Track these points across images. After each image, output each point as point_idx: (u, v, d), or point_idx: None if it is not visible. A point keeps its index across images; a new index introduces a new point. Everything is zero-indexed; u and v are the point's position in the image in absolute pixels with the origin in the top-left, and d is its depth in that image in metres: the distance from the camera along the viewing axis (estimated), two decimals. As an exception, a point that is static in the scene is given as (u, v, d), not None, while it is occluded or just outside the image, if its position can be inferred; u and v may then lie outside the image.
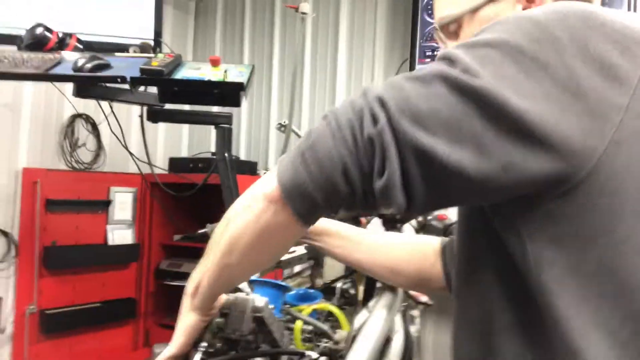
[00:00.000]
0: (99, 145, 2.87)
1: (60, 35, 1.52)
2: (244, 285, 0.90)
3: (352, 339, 0.90)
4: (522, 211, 0.52)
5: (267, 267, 0.77)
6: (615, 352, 0.47)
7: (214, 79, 1.28)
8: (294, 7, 1.44)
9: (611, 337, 0.47)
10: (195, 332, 0.74)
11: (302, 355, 0.83)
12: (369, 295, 1.12)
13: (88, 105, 2.68)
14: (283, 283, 0.96)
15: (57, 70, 1.29)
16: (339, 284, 1.17)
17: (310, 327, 0.93)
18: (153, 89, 1.67)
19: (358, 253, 0.95)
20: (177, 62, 1.38)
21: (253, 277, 1.05)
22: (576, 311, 0.49)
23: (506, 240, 0.55)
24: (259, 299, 0.81)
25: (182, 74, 1.32)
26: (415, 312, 1.35)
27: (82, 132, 2.81)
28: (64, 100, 2.61)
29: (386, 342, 1.14)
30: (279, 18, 3.14)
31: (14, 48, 1.51)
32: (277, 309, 0.93)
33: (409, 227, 1.25)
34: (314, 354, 0.83)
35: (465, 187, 0.50)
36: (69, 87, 1.77)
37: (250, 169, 2.80)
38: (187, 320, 0.73)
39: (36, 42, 1.47)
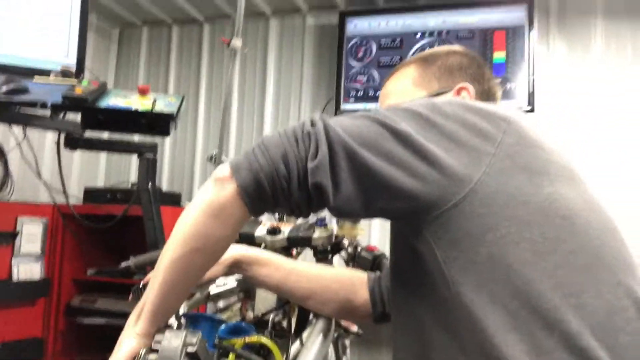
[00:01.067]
0: (6, 172, 2.66)
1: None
2: (173, 321, 0.87)
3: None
4: (426, 223, 0.67)
5: (216, 257, 0.76)
6: (507, 319, 0.62)
7: (141, 108, 1.25)
8: (226, 42, 1.47)
9: (504, 309, 0.62)
10: (134, 355, 0.71)
11: (238, 392, 0.82)
12: (301, 325, 1.12)
13: (-2, 130, 2.50)
14: (217, 317, 0.95)
15: (-31, 93, 1.21)
16: (271, 316, 1.17)
17: (244, 362, 0.91)
18: (73, 115, 1.61)
19: (289, 282, 0.97)
20: (102, 90, 1.34)
21: (185, 312, 1.02)
22: (477, 293, 0.64)
23: (420, 248, 0.69)
24: (192, 333, 0.79)
25: (108, 102, 1.29)
26: (347, 342, 1.37)
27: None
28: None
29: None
30: (206, 51, 3.15)
31: None
32: (210, 343, 0.91)
33: (338, 259, 1.28)
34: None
35: (377, 183, 0.65)
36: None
37: (173, 200, 2.72)
38: (126, 347, 0.71)
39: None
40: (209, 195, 0.67)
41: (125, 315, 0.77)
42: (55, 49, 1.63)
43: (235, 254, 0.99)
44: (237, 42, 1.45)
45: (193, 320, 0.87)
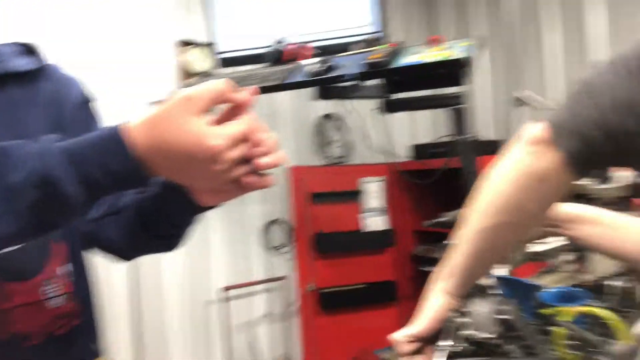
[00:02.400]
0: (347, 141, 3.07)
1: (297, 45, 1.66)
2: (488, 282, 0.81)
3: (634, 353, 0.72)
4: None
5: (528, 228, 0.68)
6: None
7: (434, 60, 1.19)
8: None
9: None
10: (440, 317, 0.70)
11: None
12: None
13: (334, 105, 2.89)
14: (533, 282, 0.83)
15: (294, 79, 1.41)
16: (613, 282, 0.95)
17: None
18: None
19: (628, 244, 0.76)
20: (398, 50, 1.34)
21: (500, 274, 0.93)
22: None
23: None
24: (505, 300, 0.72)
25: (403, 61, 1.28)
26: None
27: (331, 129, 3.05)
28: (311, 103, 2.87)
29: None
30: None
31: (263, 65, 1.72)
32: (527, 310, 0.81)
33: None
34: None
35: None
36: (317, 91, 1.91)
37: (493, 148, 2.58)
38: (434, 303, 0.70)
39: (278, 56, 1.64)
40: (525, 163, 0.56)
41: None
42: (360, 20, 1.73)
43: (552, 211, 0.84)
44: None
45: (507, 284, 0.78)
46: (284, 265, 2.94)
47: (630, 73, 0.47)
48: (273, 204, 2.91)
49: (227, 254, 2.78)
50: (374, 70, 1.28)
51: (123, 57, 2.47)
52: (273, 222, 2.90)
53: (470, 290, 0.73)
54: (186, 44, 2.60)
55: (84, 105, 0.80)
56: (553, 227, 0.84)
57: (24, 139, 0.68)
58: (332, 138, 3.03)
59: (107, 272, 2.33)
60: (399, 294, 3.01)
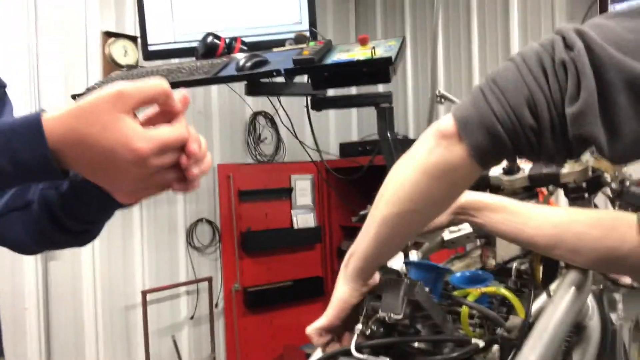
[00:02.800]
0: (278, 139, 3.10)
1: (227, 40, 1.66)
2: (399, 266, 0.86)
3: (528, 326, 0.79)
4: None
5: (432, 217, 0.70)
6: None
7: (361, 58, 1.25)
8: None
9: None
10: (346, 305, 0.72)
11: (468, 342, 0.76)
12: (550, 276, 0.98)
13: (265, 103, 2.90)
14: (440, 265, 0.89)
15: (223, 73, 1.41)
16: (514, 265, 1.05)
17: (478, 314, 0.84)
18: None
19: (528, 229, 0.83)
20: (327, 48, 1.39)
21: (407, 259, 1.00)
22: None
23: None
24: (416, 283, 0.76)
25: (331, 58, 1.33)
26: (617, 296, 1.14)
27: (262, 128, 3.06)
28: (244, 101, 2.87)
29: (577, 330, 0.99)
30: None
31: (192, 59, 1.70)
32: (436, 292, 0.87)
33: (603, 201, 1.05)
34: (481, 342, 0.75)
35: None
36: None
37: (419, 146, 2.72)
38: (338, 292, 0.73)
39: (208, 50, 1.63)
40: (432, 156, 0.57)
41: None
42: (289, 18, 1.76)
43: (459, 200, 0.90)
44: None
45: (416, 268, 0.84)
46: (210, 265, 2.90)
47: (530, 70, 0.50)
48: (199, 203, 2.87)
49: (150, 255, 2.68)
50: (302, 66, 1.32)
51: (46, 45, 2.34)
52: (199, 221, 2.85)
53: (383, 275, 0.77)
54: (112, 35, 2.51)
55: None
56: (460, 214, 0.89)
57: None
58: (263, 136, 3.05)
59: (16, 269, 2.19)
60: (327, 289, 3.08)
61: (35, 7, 2.32)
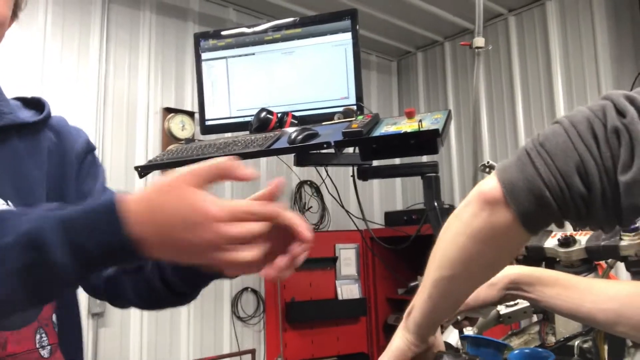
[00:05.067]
0: (323, 207, 3.14)
1: (279, 115, 1.75)
2: (454, 341, 0.83)
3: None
4: None
5: (483, 281, 0.69)
6: None
7: (409, 130, 1.29)
8: (467, 44, 1.41)
9: None
10: (401, 356, 0.70)
11: None
12: (616, 355, 0.92)
13: (310, 172, 2.98)
14: (500, 341, 0.86)
15: (276, 145, 1.48)
16: (576, 342, 0.99)
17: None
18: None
19: (586, 304, 0.78)
20: (375, 121, 1.44)
21: (466, 334, 0.96)
22: None
23: None
24: (471, 356, 0.74)
25: (379, 131, 1.37)
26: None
27: (308, 197, 3.12)
28: (290, 170, 2.95)
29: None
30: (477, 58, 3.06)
31: (246, 132, 1.79)
32: (496, 369, 0.83)
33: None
34: None
35: None
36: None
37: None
38: (396, 342, 0.71)
39: (261, 124, 1.72)
40: (477, 220, 0.56)
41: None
42: (337, 93, 1.85)
43: (510, 274, 0.85)
44: (479, 41, 1.37)
45: (474, 343, 0.81)
46: (254, 336, 2.87)
47: (580, 136, 0.50)
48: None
49: (195, 324, 2.69)
50: (351, 139, 1.37)
51: (111, 118, 2.54)
52: (244, 290, 2.86)
53: (439, 351, 0.76)
54: (171, 110, 2.69)
55: (87, 155, 0.82)
56: (513, 290, 0.85)
57: (26, 191, 0.70)
58: (309, 204, 3.10)
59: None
60: (373, 365, 2.97)
61: (105, 83, 2.54)
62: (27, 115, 0.76)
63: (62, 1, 2.45)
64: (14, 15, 0.73)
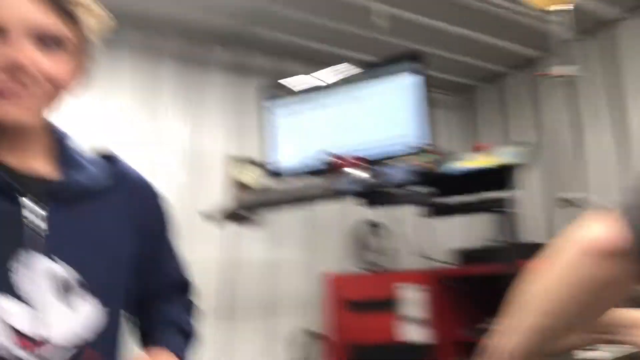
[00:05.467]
0: (387, 245, 3.08)
1: (346, 157, 1.77)
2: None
3: None
4: None
5: (582, 327, 0.68)
6: None
7: (482, 166, 1.27)
8: (545, 74, 1.38)
9: None
10: None
11: None
12: None
13: (374, 210, 2.95)
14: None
15: (345, 188, 1.49)
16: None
17: None
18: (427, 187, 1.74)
19: None
20: (446, 158, 1.43)
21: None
22: None
23: None
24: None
25: (451, 168, 1.35)
26: None
27: (370, 234, 3.07)
28: (350, 208, 2.94)
29: None
30: (542, 88, 2.98)
31: (313, 177, 1.83)
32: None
33: None
34: None
35: None
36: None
37: (541, 252, 2.55)
38: None
39: (328, 167, 1.75)
40: (597, 272, 0.52)
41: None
42: (403, 132, 1.85)
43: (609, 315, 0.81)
44: (560, 70, 1.34)
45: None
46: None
47: None
48: (304, 313, 2.85)
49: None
50: (423, 178, 1.36)
51: (180, 167, 2.66)
52: (304, 333, 2.82)
53: None
54: (238, 159, 2.78)
55: (160, 213, 0.85)
56: (605, 333, 0.81)
57: (97, 256, 0.73)
58: (371, 243, 3.05)
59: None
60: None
61: (181, 137, 2.67)
62: (102, 175, 0.77)
63: (141, 68, 2.63)
64: (80, 78, 0.75)
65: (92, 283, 0.71)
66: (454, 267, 2.79)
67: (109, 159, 0.81)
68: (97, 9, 0.73)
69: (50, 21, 0.67)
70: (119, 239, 0.77)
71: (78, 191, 0.73)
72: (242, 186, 2.59)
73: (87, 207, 0.74)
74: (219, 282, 2.65)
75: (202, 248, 2.54)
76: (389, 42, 2.88)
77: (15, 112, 0.66)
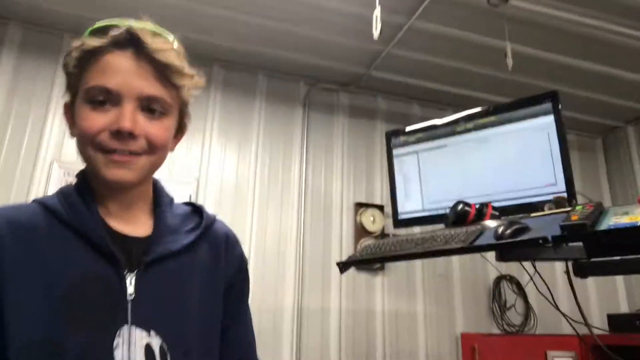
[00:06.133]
0: (528, 307, 2.80)
1: (477, 206, 1.65)
2: None
3: None
4: None
5: None
6: None
7: (650, 222, 1.08)
8: None
9: None
10: None
11: None
12: None
13: (510, 266, 2.72)
14: None
15: (481, 241, 1.37)
16: None
17: None
18: (576, 242, 1.54)
19: None
20: (599, 211, 1.25)
21: None
22: None
23: None
24: None
25: (609, 222, 1.18)
26: None
27: (508, 293, 2.83)
28: (486, 264, 2.74)
29: None
30: None
31: (441, 226, 1.72)
32: None
33: None
34: None
35: None
36: (490, 252, 1.85)
37: None
38: None
39: (458, 217, 1.64)
40: None
41: None
42: (544, 180, 1.68)
43: None
44: None
45: None
46: None
47: None
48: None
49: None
50: (574, 233, 1.20)
51: (309, 216, 2.72)
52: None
53: None
54: (363, 205, 2.78)
55: (240, 273, 0.84)
56: None
57: (177, 316, 0.72)
58: (510, 302, 2.79)
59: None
60: None
61: (305, 183, 2.75)
62: (190, 238, 0.79)
63: (271, 117, 2.80)
64: (180, 137, 0.81)
65: (188, 352, 0.72)
66: (609, 334, 2.42)
67: (198, 211, 0.84)
68: (193, 72, 0.78)
69: (157, 92, 0.73)
70: (191, 296, 0.76)
71: (166, 255, 0.75)
72: (366, 231, 2.56)
73: (167, 269, 0.75)
74: (347, 330, 2.61)
75: (334, 295, 2.54)
76: (522, 82, 2.71)
77: (124, 174, 0.71)
